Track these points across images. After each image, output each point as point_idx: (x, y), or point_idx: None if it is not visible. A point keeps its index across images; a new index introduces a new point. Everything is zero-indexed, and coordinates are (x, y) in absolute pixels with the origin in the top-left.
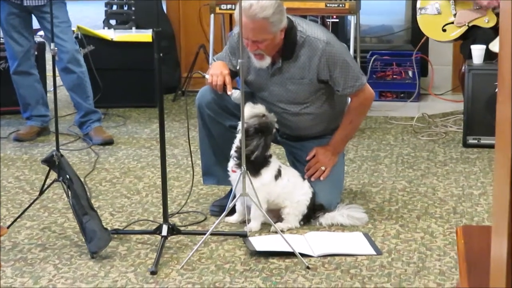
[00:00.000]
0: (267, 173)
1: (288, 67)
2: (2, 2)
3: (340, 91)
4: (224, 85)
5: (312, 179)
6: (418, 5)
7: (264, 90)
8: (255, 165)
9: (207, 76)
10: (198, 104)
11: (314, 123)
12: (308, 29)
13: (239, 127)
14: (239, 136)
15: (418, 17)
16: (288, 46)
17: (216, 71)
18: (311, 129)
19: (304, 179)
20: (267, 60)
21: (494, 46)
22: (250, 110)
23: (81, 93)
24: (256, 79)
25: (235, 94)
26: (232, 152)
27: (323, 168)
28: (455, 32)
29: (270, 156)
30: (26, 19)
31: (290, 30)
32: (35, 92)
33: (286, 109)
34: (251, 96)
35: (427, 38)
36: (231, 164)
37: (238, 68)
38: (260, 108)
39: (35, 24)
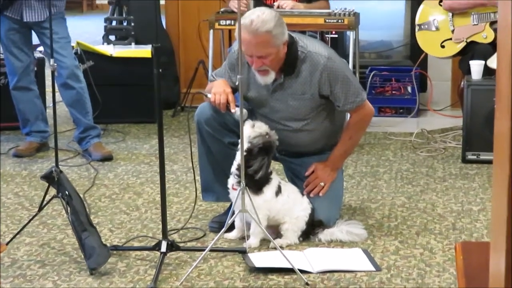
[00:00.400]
0: (269, 190)
1: (290, 83)
2: (2, 18)
3: (341, 107)
4: (228, 103)
5: (311, 195)
6: (417, 21)
7: (265, 107)
8: (258, 183)
9: (209, 95)
10: (197, 120)
11: (314, 139)
12: (309, 44)
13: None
14: (239, 153)
15: (417, 33)
16: (290, 61)
17: (219, 89)
18: (311, 145)
19: (303, 195)
20: (272, 75)
21: (492, 62)
22: (252, 130)
23: (80, 109)
24: (257, 96)
25: (239, 112)
26: (233, 170)
27: (322, 184)
28: (454, 48)
29: (271, 172)
30: (26, 35)
31: (291, 46)
32: (34, 108)
33: (287, 125)
34: (250, 112)
35: (426, 54)
36: (232, 181)
37: (237, 84)
38: (262, 127)
39: (35, 39)
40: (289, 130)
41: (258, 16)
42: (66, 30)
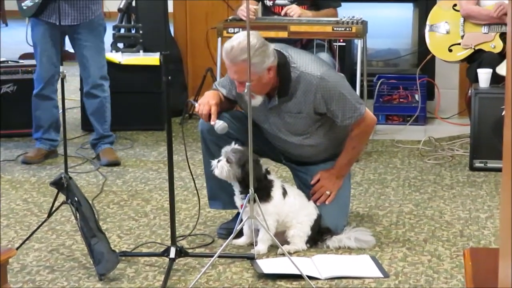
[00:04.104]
0: (276, 193)
1: (285, 104)
2: (38, 22)
3: (339, 122)
4: (210, 114)
5: (318, 203)
6: (428, 21)
7: (264, 123)
8: (266, 189)
9: (196, 104)
10: (201, 129)
11: (318, 152)
12: (301, 64)
13: (220, 158)
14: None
15: (427, 33)
16: (284, 83)
17: (204, 100)
18: (316, 157)
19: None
20: (259, 99)
21: (501, 69)
22: (229, 164)
23: (99, 118)
24: (256, 111)
25: (217, 125)
26: (239, 194)
27: (328, 192)
28: (461, 53)
29: (269, 172)
30: (57, 43)
31: (284, 67)
32: (51, 117)
33: (288, 140)
34: (240, 122)
35: (432, 58)
36: (241, 202)
37: (245, 91)
38: (228, 151)
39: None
40: (291, 144)
41: (239, 43)
42: (100, 38)
